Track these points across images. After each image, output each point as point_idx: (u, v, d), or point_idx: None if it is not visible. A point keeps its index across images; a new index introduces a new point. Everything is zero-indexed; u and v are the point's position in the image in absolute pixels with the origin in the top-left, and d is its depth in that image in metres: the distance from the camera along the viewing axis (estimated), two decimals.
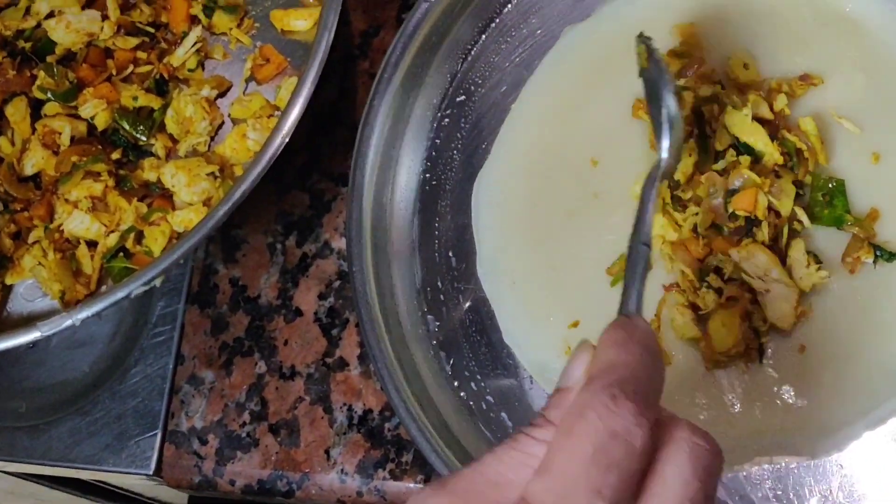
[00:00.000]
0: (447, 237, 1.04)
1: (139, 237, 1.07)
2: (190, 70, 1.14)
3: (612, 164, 1.01)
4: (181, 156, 1.11)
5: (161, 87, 1.14)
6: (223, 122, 1.13)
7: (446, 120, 1.07)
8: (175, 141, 1.12)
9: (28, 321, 1.07)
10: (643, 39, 0.89)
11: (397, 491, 1.02)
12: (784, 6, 1.00)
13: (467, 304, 1.02)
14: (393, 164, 1.04)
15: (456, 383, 1.00)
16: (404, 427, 0.94)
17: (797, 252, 0.91)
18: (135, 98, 1.11)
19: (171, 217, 1.06)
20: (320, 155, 1.14)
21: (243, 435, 1.07)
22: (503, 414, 0.98)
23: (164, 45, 1.15)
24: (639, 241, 0.72)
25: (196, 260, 1.15)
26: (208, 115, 1.10)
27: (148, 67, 1.14)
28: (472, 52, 1.08)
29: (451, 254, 1.04)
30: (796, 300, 0.90)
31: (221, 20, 1.15)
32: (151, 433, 1.09)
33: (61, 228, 1.08)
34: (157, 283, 0.97)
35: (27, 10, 1.13)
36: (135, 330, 1.14)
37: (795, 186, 0.92)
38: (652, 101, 0.88)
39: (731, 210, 0.91)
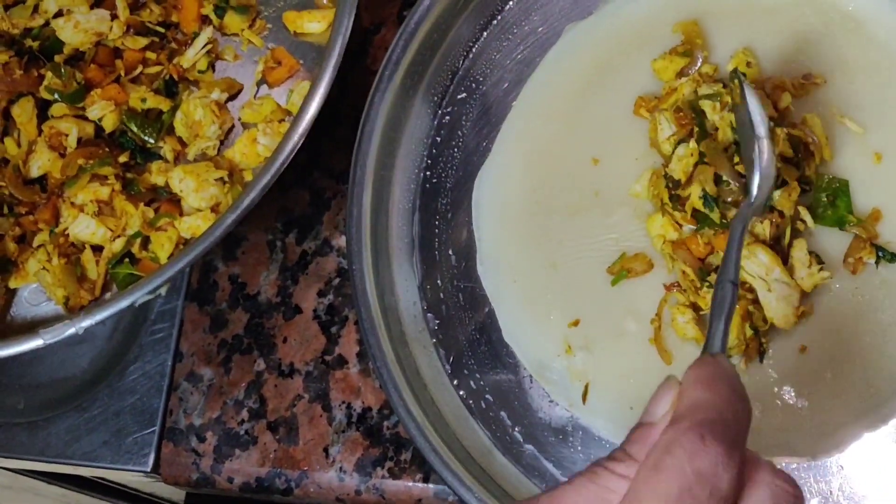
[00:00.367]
0: (447, 235, 1.04)
1: (145, 242, 1.07)
2: (200, 71, 1.13)
3: (613, 163, 1.00)
4: (190, 159, 1.10)
5: (170, 89, 1.13)
6: (233, 126, 1.12)
7: (447, 118, 1.07)
8: (184, 144, 1.11)
9: (32, 326, 1.08)
10: (737, 75, 0.89)
11: (396, 489, 1.01)
12: (786, 5, 0.99)
13: (467, 303, 1.01)
14: (393, 161, 1.04)
15: (455, 382, 0.99)
16: (403, 426, 0.94)
17: (799, 252, 0.90)
18: (143, 100, 1.10)
19: (179, 223, 1.05)
20: (321, 152, 1.13)
21: (242, 432, 1.07)
22: (502, 413, 0.97)
23: (174, 45, 1.14)
24: (726, 279, 0.71)
25: None
26: (218, 118, 1.09)
27: (157, 68, 1.13)
28: (474, 50, 1.08)
29: (451, 252, 1.03)
30: (798, 300, 0.89)
31: (233, 21, 1.14)
32: (149, 430, 1.09)
33: (66, 232, 1.07)
34: (163, 291, 0.97)
35: (35, 9, 1.11)
36: (134, 327, 1.13)
37: (801, 184, 0.91)
38: (742, 137, 0.88)
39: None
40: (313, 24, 1.11)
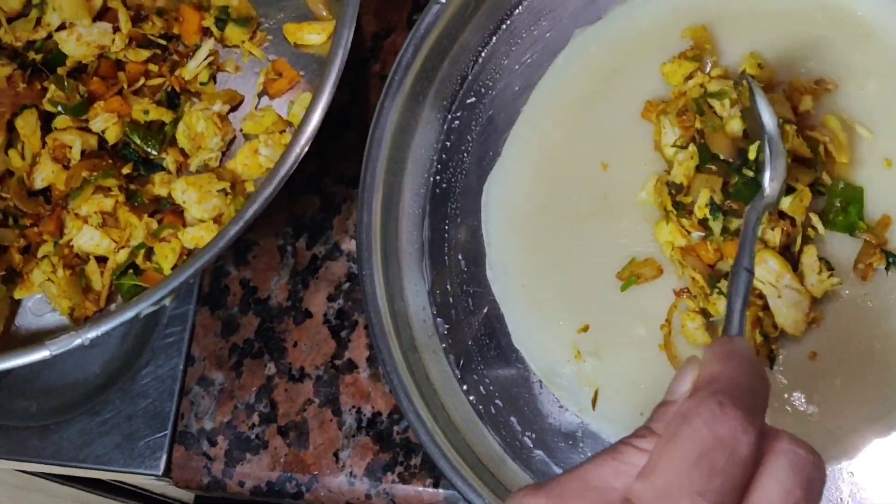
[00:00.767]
0: (457, 240, 1.04)
1: (149, 253, 1.07)
2: (202, 83, 1.14)
3: (622, 168, 1.00)
4: (192, 171, 1.10)
5: (172, 101, 1.13)
6: (235, 137, 1.12)
7: (456, 122, 1.07)
8: (186, 155, 1.11)
9: (37, 336, 1.08)
10: (745, 77, 0.89)
11: (406, 494, 1.02)
12: (796, 9, 0.99)
13: (477, 308, 1.02)
14: (403, 166, 1.04)
15: (465, 387, 1.00)
16: (413, 431, 0.94)
17: (809, 258, 0.90)
18: (146, 112, 1.10)
19: (182, 234, 1.06)
20: (331, 158, 1.14)
21: (252, 436, 1.07)
22: (512, 418, 0.98)
23: (175, 57, 1.15)
24: (742, 267, 0.73)
25: None
26: (220, 130, 1.09)
27: (159, 80, 1.13)
28: (483, 55, 1.08)
29: (460, 256, 1.04)
30: (808, 307, 0.89)
31: (234, 33, 1.14)
32: (161, 434, 1.10)
33: (71, 244, 1.07)
34: (167, 302, 0.98)
35: (38, 21, 1.12)
36: (146, 331, 1.14)
37: (815, 189, 0.91)
38: (754, 137, 0.89)
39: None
40: (313, 36, 1.12)
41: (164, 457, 1.09)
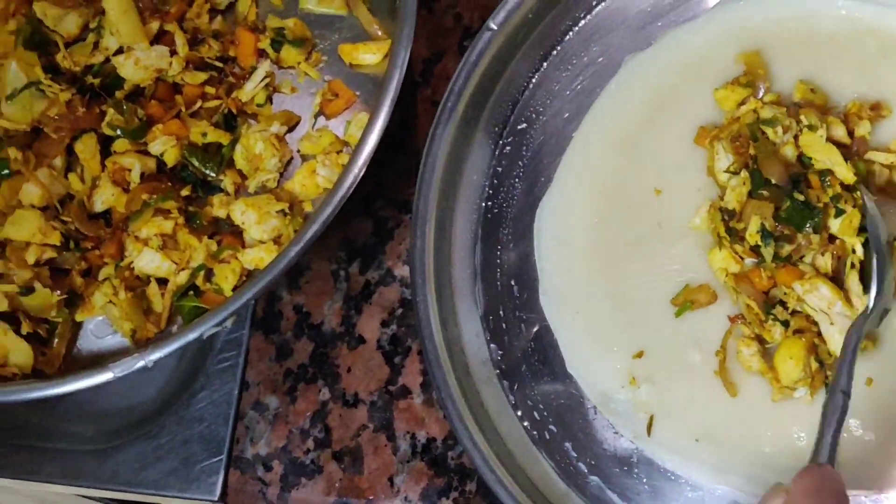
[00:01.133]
0: (509, 265, 1.05)
1: (209, 275, 1.08)
2: (259, 105, 1.14)
3: (675, 194, 1.01)
4: (250, 192, 1.11)
5: (229, 123, 1.14)
6: (292, 158, 1.13)
7: (508, 148, 1.07)
8: (244, 177, 1.12)
9: (97, 359, 1.09)
10: (858, 186, 0.90)
11: None
12: (847, 35, 0.99)
13: (530, 333, 1.02)
14: (455, 192, 1.04)
15: (519, 412, 1.00)
16: (468, 456, 0.94)
17: (852, 282, 0.90)
18: (204, 134, 1.11)
19: (242, 255, 1.07)
20: (383, 182, 1.14)
21: (307, 462, 1.08)
22: (567, 444, 0.98)
23: (231, 79, 1.15)
24: (838, 389, 0.72)
25: None
26: (278, 151, 1.10)
27: (216, 102, 1.14)
28: (534, 80, 1.08)
29: (513, 282, 1.04)
30: None
31: (289, 54, 1.15)
32: (217, 458, 1.10)
33: (131, 266, 1.08)
34: (229, 323, 0.98)
35: (95, 45, 1.13)
36: (201, 356, 1.14)
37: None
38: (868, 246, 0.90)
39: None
40: (369, 56, 1.12)
41: (220, 481, 1.10)
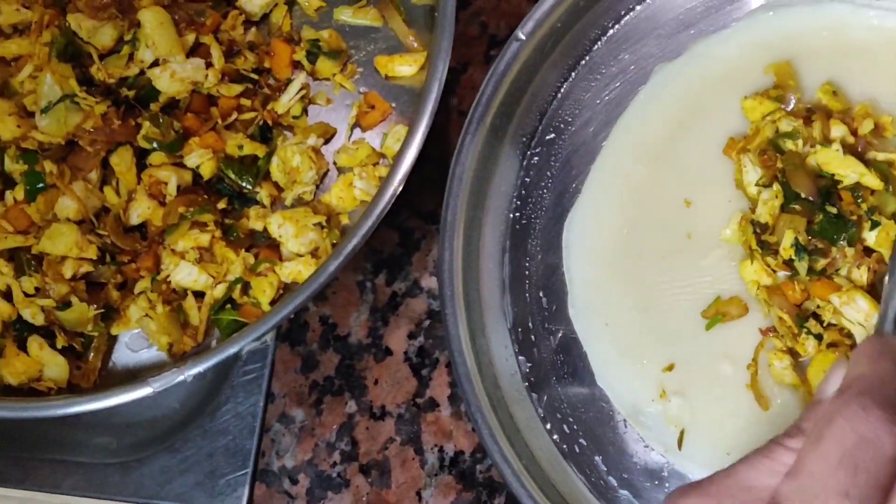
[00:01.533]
0: (538, 277, 1.04)
1: (246, 288, 1.08)
2: (294, 117, 1.14)
3: (705, 205, 1.00)
4: (287, 205, 1.10)
5: (265, 135, 1.13)
6: (328, 170, 1.13)
7: (536, 158, 1.07)
8: (280, 189, 1.11)
9: (133, 373, 1.09)
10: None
11: None
12: (881, 45, 0.98)
13: (559, 345, 1.01)
14: (483, 203, 1.04)
15: (548, 425, 0.99)
16: (497, 470, 0.94)
17: None
18: (240, 146, 1.10)
19: (280, 268, 1.06)
20: (410, 192, 1.13)
21: (334, 475, 1.07)
22: (597, 457, 0.97)
23: (267, 91, 1.15)
24: None
25: None
26: (315, 164, 1.10)
27: (252, 114, 1.13)
28: (562, 90, 1.07)
29: (541, 294, 1.03)
30: None
31: (325, 66, 1.14)
32: (242, 472, 1.10)
33: (168, 280, 1.08)
34: (268, 339, 0.98)
35: (130, 57, 1.12)
36: (226, 368, 1.13)
37: None
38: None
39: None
40: (405, 68, 1.12)
41: (246, 494, 1.09)
